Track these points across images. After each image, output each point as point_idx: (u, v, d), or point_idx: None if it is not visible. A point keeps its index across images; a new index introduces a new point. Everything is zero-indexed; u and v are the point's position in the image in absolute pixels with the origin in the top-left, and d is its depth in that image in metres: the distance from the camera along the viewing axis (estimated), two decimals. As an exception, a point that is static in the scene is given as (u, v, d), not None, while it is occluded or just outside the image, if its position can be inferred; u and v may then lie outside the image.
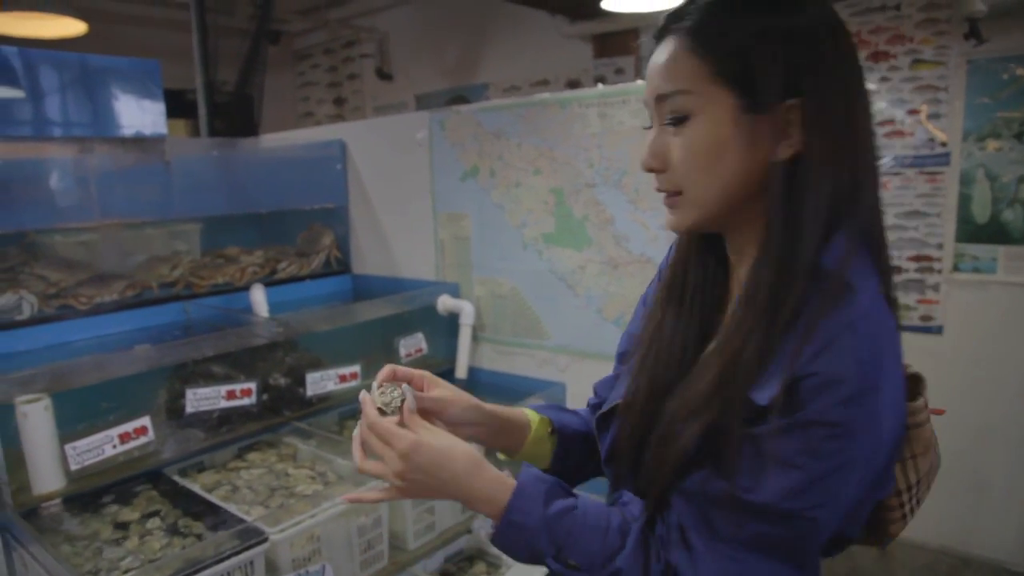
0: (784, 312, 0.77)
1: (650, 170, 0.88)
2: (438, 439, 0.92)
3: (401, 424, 0.93)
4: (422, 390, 1.03)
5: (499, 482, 0.91)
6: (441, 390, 1.04)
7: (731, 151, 0.81)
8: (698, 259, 0.97)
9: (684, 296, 0.96)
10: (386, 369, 1.02)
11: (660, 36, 0.86)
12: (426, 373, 1.05)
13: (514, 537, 0.89)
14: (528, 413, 1.13)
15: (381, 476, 0.93)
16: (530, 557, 0.89)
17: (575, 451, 1.13)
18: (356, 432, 0.96)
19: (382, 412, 0.95)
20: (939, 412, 0.99)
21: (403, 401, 0.95)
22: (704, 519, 0.81)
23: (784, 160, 0.80)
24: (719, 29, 0.80)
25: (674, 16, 0.84)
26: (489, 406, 1.08)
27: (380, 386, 0.99)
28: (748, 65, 0.78)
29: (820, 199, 0.78)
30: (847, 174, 0.80)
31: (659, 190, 0.89)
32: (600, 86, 2.31)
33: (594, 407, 1.16)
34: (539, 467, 1.06)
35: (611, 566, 0.85)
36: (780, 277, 0.79)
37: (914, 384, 0.91)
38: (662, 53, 0.85)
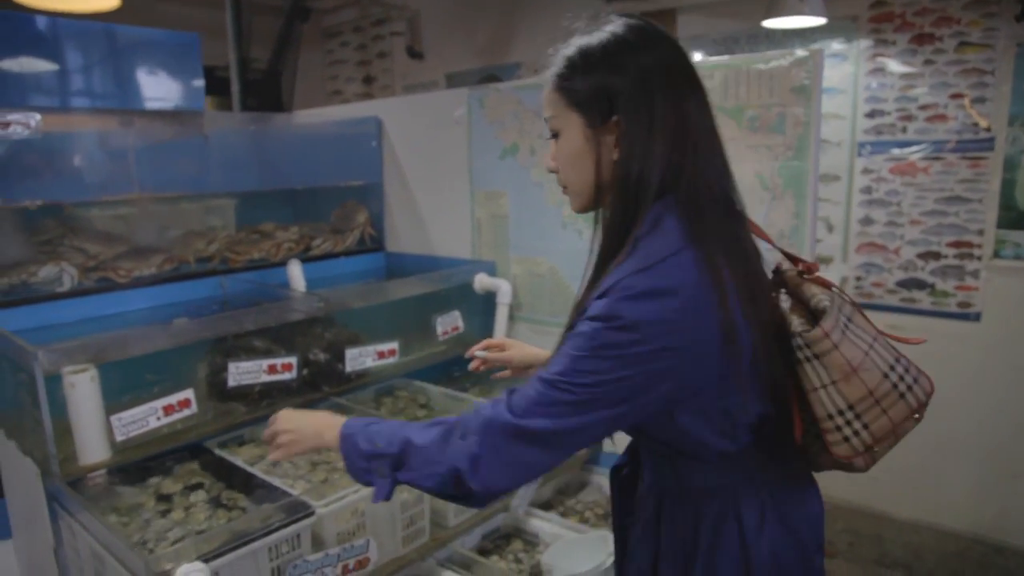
0: (614, 250, 1.09)
1: (550, 171, 1.22)
2: (293, 411, 1.32)
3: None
4: (503, 350, 1.58)
5: (339, 418, 1.25)
6: (510, 350, 1.58)
7: (585, 156, 1.14)
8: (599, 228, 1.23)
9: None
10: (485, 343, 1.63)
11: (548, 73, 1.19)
12: (504, 339, 1.62)
13: (346, 446, 1.19)
14: None
15: (273, 445, 1.30)
16: (358, 459, 1.17)
17: None
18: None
19: None
20: (917, 341, 1.18)
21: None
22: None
23: (617, 159, 1.11)
24: (567, 75, 1.13)
25: (550, 59, 1.18)
26: (539, 353, 1.56)
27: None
28: (585, 98, 1.11)
29: (631, 185, 1.09)
30: (655, 165, 1.08)
31: (559, 184, 1.22)
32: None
33: None
34: None
35: (399, 437, 1.14)
36: (614, 229, 1.11)
37: (815, 316, 1.10)
38: (544, 88, 1.19)
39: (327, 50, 5.95)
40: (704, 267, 1.03)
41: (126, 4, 3.63)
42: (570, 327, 1.11)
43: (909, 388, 1.10)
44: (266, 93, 4.50)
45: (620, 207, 1.10)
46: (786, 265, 1.21)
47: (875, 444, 1.10)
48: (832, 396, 1.07)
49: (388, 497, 1.17)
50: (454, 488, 1.08)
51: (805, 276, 1.16)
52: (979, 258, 3.41)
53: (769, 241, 1.24)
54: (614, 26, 1.12)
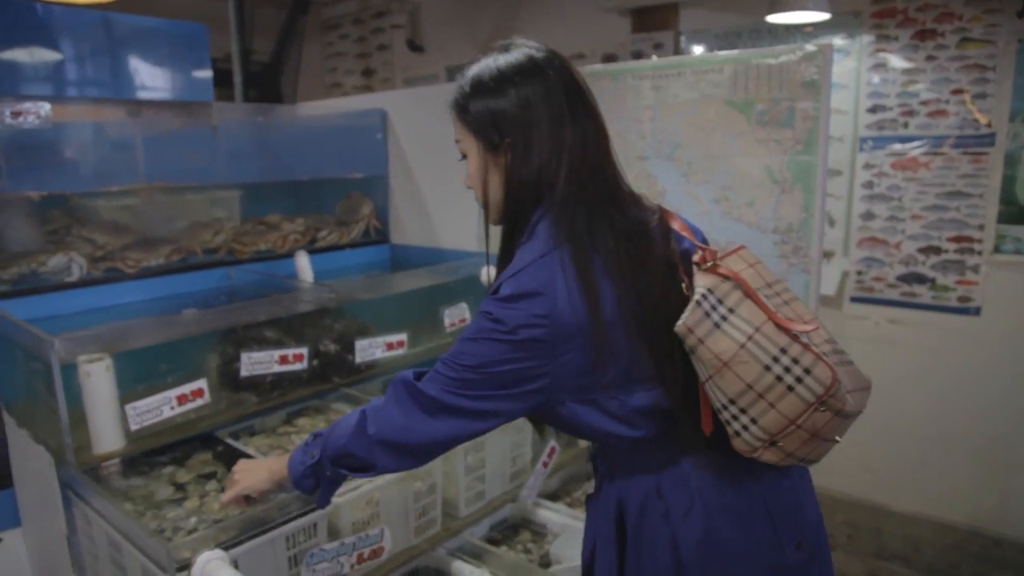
0: (504, 258, 1.28)
1: (467, 187, 1.34)
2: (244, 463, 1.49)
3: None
4: None
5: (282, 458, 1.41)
6: None
7: (487, 174, 1.26)
8: None
9: None
10: None
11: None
12: None
13: (291, 467, 1.35)
14: None
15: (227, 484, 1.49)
16: (298, 477, 1.34)
17: None
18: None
19: None
20: (808, 329, 1.11)
21: None
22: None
23: (507, 177, 1.22)
24: (463, 105, 1.25)
25: (456, 87, 1.28)
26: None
27: None
28: (477, 124, 1.23)
29: (514, 199, 1.22)
30: (533, 181, 1.19)
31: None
32: (655, 58, 2.28)
33: None
34: None
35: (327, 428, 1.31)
36: (504, 237, 1.29)
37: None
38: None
39: (326, 42, 5.94)
40: (569, 266, 1.13)
41: (128, -6, 3.62)
42: None
43: (799, 379, 1.06)
44: (267, 85, 4.50)
45: (508, 218, 1.26)
46: (699, 255, 1.21)
47: (775, 439, 1.09)
48: (714, 390, 1.11)
49: (327, 499, 1.38)
50: (358, 444, 1.24)
51: (701, 266, 1.18)
52: (979, 253, 3.44)
53: (688, 235, 1.29)
54: (505, 55, 1.23)
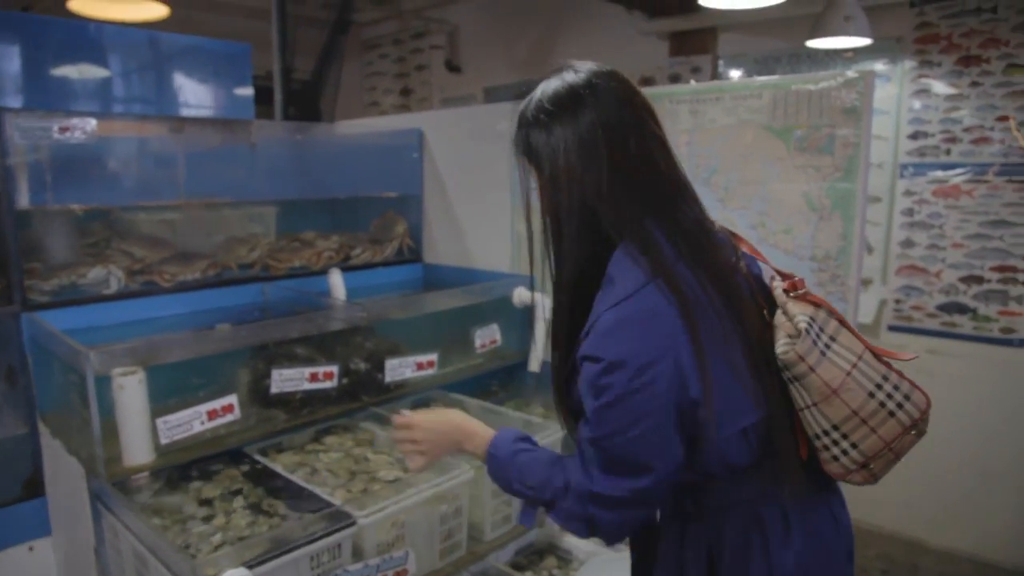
0: (562, 308, 1.23)
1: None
2: (432, 412, 1.47)
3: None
4: None
5: (484, 430, 1.37)
6: None
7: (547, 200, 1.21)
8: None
9: None
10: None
11: None
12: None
13: (493, 468, 1.31)
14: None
15: (412, 452, 1.43)
16: (506, 484, 1.30)
17: None
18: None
19: None
20: (910, 358, 1.17)
21: None
22: (585, 456, 1.15)
23: (551, 205, 1.21)
24: (522, 145, 1.23)
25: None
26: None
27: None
28: (524, 150, 1.23)
29: (557, 226, 1.19)
30: (577, 208, 1.15)
31: None
32: (693, 83, 2.27)
33: None
34: None
35: (549, 489, 1.20)
36: (555, 286, 1.24)
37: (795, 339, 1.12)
38: None
39: (366, 62, 6.02)
40: (659, 299, 1.08)
41: (174, 14, 3.71)
42: (562, 363, 1.25)
43: (899, 405, 1.11)
44: (306, 103, 4.56)
45: (556, 267, 1.22)
46: (777, 282, 1.22)
47: (869, 461, 1.12)
48: (816, 416, 1.11)
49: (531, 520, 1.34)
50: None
51: (790, 294, 1.17)
52: (1024, 283, 3.35)
53: (760, 257, 1.28)
54: (546, 83, 1.21)
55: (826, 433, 1.11)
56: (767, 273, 1.27)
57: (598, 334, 1.09)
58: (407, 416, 1.45)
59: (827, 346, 1.11)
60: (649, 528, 1.34)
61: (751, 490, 1.16)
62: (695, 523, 1.22)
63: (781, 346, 1.11)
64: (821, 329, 1.12)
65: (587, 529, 1.17)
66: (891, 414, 1.10)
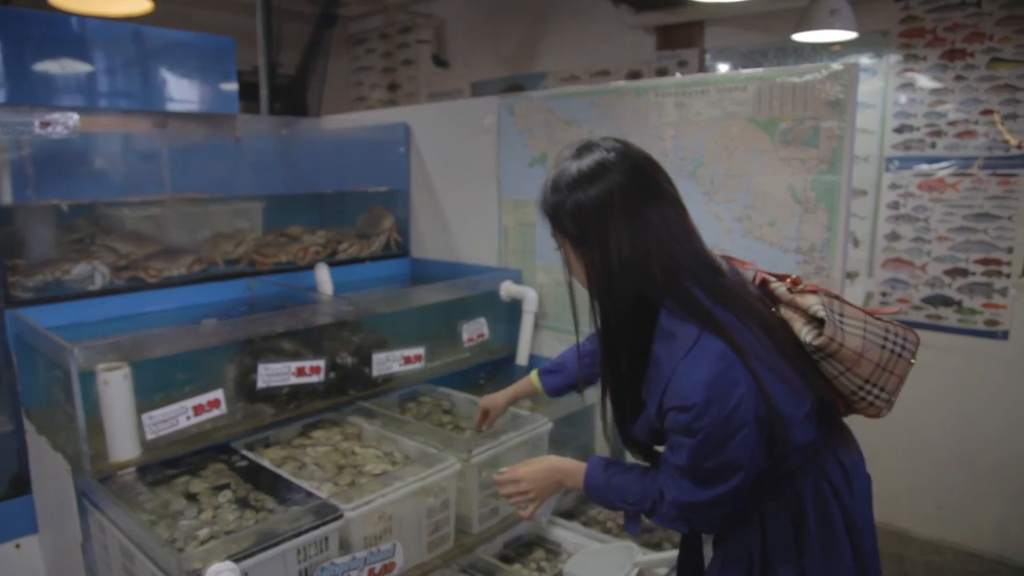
0: (637, 359, 1.34)
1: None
2: (529, 464, 1.61)
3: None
4: (488, 415, 1.96)
5: (577, 465, 1.55)
6: (493, 411, 1.96)
7: (580, 264, 1.35)
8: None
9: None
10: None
11: None
12: (482, 402, 1.98)
13: (594, 494, 1.50)
14: (534, 381, 1.89)
15: (523, 502, 1.60)
16: (608, 504, 1.48)
17: (565, 392, 1.89)
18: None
19: None
20: (893, 311, 1.54)
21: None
22: (676, 474, 1.31)
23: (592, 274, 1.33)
24: (549, 213, 1.36)
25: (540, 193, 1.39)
26: (509, 394, 1.94)
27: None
28: (562, 228, 1.34)
29: (602, 288, 1.32)
30: (629, 281, 1.28)
31: None
32: (678, 75, 2.27)
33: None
34: None
35: (648, 500, 1.39)
36: (604, 350, 1.40)
37: (817, 326, 1.34)
38: None
39: (353, 56, 6.00)
40: (717, 352, 1.23)
41: (158, 8, 3.68)
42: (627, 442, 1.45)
43: (903, 348, 1.37)
44: (292, 98, 4.54)
45: (603, 332, 1.37)
46: (774, 282, 1.45)
47: (892, 396, 1.38)
48: (850, 379, 1.35)
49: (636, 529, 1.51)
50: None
51: (793, 290, 1.41)
52: (1008, 276, 3.38)
53: (747, 265, 1.50)
54: (578, 161, 1.32)
55: (861, 388, 1.35)
56: (748, 275, 1.48)
57: (680, 384, 1.23)
58: (509, 471, 1.61)
59: (841, 322, 1.34)
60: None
61: (812, 453, 1.36)
62: (771, 499, 1.37)
63: (808, 335, 1.34)
64: (831, 310, 1.34)
65: (687, 528, 1.39)
66: (899, 356, 1.36)
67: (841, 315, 1.35)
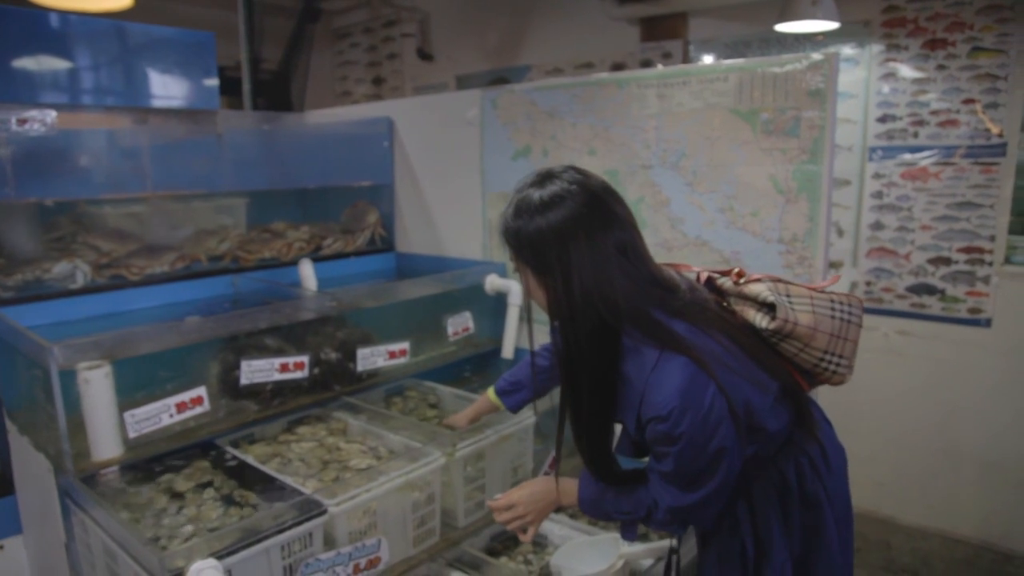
0: (600, 381, 1.35)
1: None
2: (523, 488, 1.65)
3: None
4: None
5: (570, 483, 1.59)
6: (467, 424, 2.01)
7: (540, 291, 1.38)
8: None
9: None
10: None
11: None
12: (448, 424, 2.04)
13: (590, 509, 1.55)
14: (490, 396, 1.96)
15: (520, 528, 1.65)
16: (604, 516, 1.54)
17: (525, 405, 1.96)
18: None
19: None
20: (832, 281, 1.57)
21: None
22: (664, 481, 1.37)
23: (552, 301, 1.35)
24: (506, 241, 1.39)
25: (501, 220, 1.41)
26: (469, 414, 2.02)
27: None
28: (523, 259, 1.37)
29: (566, 317, 1.32)
30: (579, 300, 1.30)
31: None
32: (659, 67, 2.27)
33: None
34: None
35: (643, 508, 1.43)
36: (567, 371, 1.38)
37: (764, 307, 1.42)
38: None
39: (337, 51, 5.97)
40: (678, 364, 1.28)
41: (138, 3, 3.64)
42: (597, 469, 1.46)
43: (851, 314, 1.45)
44: (276, 93, 4.51)
45: (565, 354, 1.36)
46: (720, 278, 1.53)
47: (851, 360, 1.46)
48: (809, 353, 1.42)
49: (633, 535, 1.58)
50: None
51: (739, 283, 1.48)
52: (990, 264, 3.40)
53: (690, 268, 1.57)
54: (539, 190, 1.35)
55: (821, 360, 1.42)
56: (691, 276, 1.55)
57: (654, 396, 1.28)
58: (504, 498, 1.64)
59: (790, 302, 1.41)
60: None
61: (788, 436, 1.44)
62: (759, 482, 1.44)
63: (763, 320, 1.41)
64: (778, 293, 1.41)
65: (684, 528, 1.50)
66: (848, 322, 1.44)
67: (788, 296, 1.42)
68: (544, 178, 1.37)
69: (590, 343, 1.32)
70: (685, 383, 1.26)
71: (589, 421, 1.39)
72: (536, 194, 1.34)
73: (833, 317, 1.43)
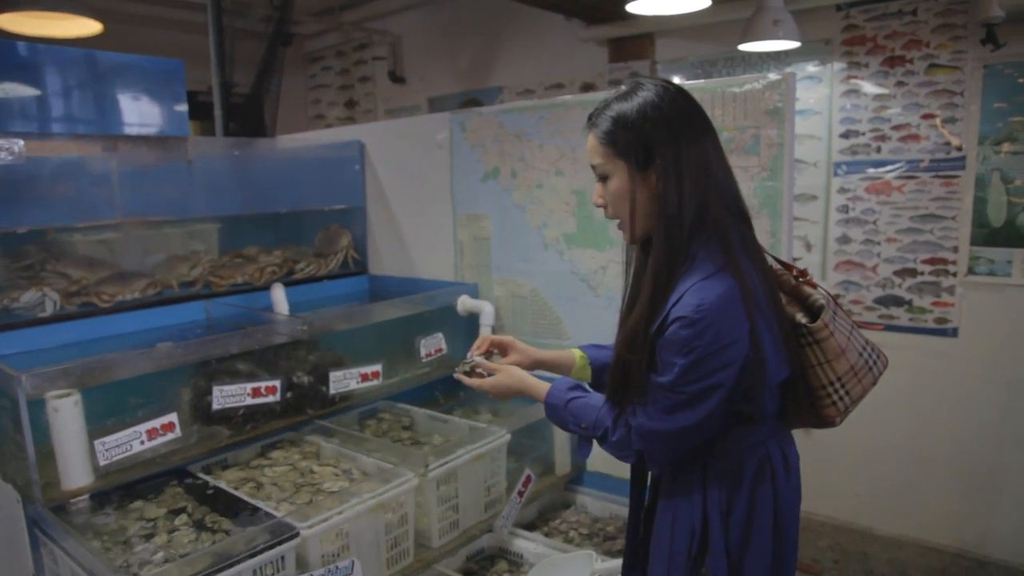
0: (664, 279, 1.35)
1: (597, 207, 1.48)
2: (498, 378, 1.64)
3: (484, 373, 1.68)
4: (507, 352, 1.74)
5: (541, 384, 1.61)
6: (515, 354, 1.73)
7: (631, 194, 1.39)
8: (641, 258, 1.48)
9: (636, 281, 1.49)
10: (482, 338, 1.75)
11: (588, 129, 1.44)
12: (510, 339, 1.75)
13: (551, 414, 1.57)
14: (575, 352, 1.73)
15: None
16: (562, 424, 1.55)
17: (606, 375, 1.64)
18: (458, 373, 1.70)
19: (466, 372, 1.69)
20: (875, 328, 1.64)
21: (472, 364, 1.69)
22: (648, 400, 1.37)
23: (657, 194, 1.36)
24: (612, 131, 1.38)
25: (591, 119, 1.43)
26: (544, 357, 1.74)
27: (470, 356, 1.71)
28: (627, 148, 1.36)
29: (673, 217, 1.33)
30: (689, 203, 1.33)
31: (607, 218, 1.48)
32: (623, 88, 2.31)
33: None
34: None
35: (602, 427, 1.46)
36: (661, 264, 1.35)
37: (816, 312, 1.43)
38: (590, 141, 1.43)
39: (310, 75, 6.00)
40: (730, 287, 1.30)
41: (108, 30, 3.65)
42: (631, 346, 1.39)
43: (875, 363, 1.48)
44: (248, 117, 4.52)
45: (663, 244, 1.35)
46: (780, 269, 1.53)
47: (851, 406, 1.46)
48: (826, 371, 1.42)
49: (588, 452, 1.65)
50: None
51: (799, 280, 1.49)
52: (954, 274, 3.47)
53: (764, 251, 1.52)
54: (642, 91, 1.36)
55: (831, 383, 1.43)
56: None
57: (693, 298, 1.28)
58: (476, 383, 1.65)
59: (835, 317, 1.43)
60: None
61: (764, 432, 1.44)
62: (717, 460, 1.44)
63: (802, 318, 1.42)
64: (828, 305, 1.43)
65: (635, 457, 1.44)
66: (870, 369, 1.47)
67: (835, 313, 1.44)
68: (637, 84, 1.39)
69: (686, 240, 1.34)
70: (725, 304, 1.28)
71: (650, 313, 1.36)
72: (639, 95, 1.36)
73: (860, 355, 1.45)
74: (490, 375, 1.67)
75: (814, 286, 1.48)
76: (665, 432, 1.36)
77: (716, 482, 1.44)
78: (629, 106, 1.36)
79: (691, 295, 1.29)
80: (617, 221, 1.48)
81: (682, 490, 1.48)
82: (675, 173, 1.33)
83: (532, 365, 1.74)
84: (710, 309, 1.27)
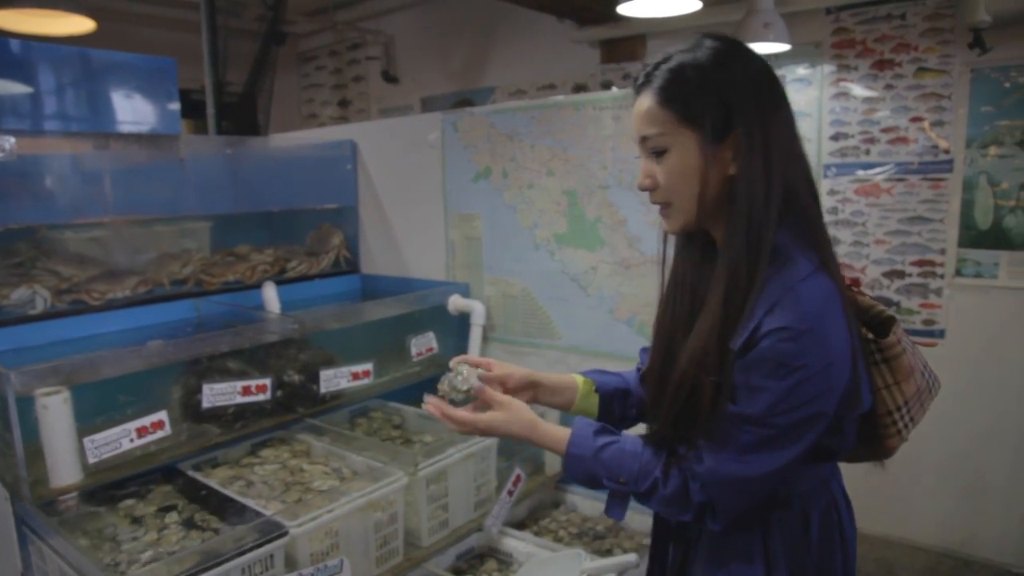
0: (744, 279, 1.09)
1: (644, 189, 1.19)
2: (495, 415, 1.25)
3: (477, 408, 1.29)
4: (490, 370, 1.35)
5: (556, 430, 1.25)
6: (503, 369, 1.37)
7: (699, 171, 1.11)
8: (687, 252, 1.26)
9: (683, 280, 1.26)
10: (461, 357, 1.37)
11: (638, 91, 1.17)
12: (492, 360, 1.38)
13: (574, 466, 1.21)
14: (576, 377, 1.42)
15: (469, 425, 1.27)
16: (590, 481, 1.21)
17: (616, 404, 1.43)
18: (427, 401, 1.30)
19: (452, 400, 1.29)
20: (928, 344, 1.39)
21: (468, 389, 1.29)
22: (715, 435, 1.11)
23: (734, 174, 1.11)
24: (676, 91, 1.10)
25: (646, 76, 1.15)
26: (539, 375, 1.39)
27: (452, 369, 1.32)
28: (699, 113, 1.09)
29: (758, 201, 1.08)
30: (777, 184, 1.09)
31: (654, 203, 1.20)
32: (615, 89, 2.33)
33: (640, 370, 1.46)
34: (590, 418, 1.36)
35: (649, 479, 1.16)
36: (740, 259, 1.09)
37: (887, 325, 1.22)
38: (642, 104, 1.15)
39: (303, 74, 5.99)
40: (832, 290, 1.08)
41: (101, 28, 3.64)
42: (702, 365, 1.12)
43: (933, 383, 1.30)
44: (241, 116, 4.52)
45: (743, 235, 1.09)
46: None
47: (910, 431, 1.27)
48: (893, 394, 1.22)
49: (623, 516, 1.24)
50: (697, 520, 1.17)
51: (854, 290, 1.27)
52: (942, 276, 3.50)
53: None
54: (713, 42, 1.12)
55: (898, 409, 1.22)
56: None
57: (797, 303, 1.04)
58: (468, 422, 1.26)
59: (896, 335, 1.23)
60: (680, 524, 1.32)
61: (828, 469, 1.25)
62: (781, 510, 1.20)
63: (868, 334, 1.22)
64: None
65: (695, 514, 1.15)
66: (930, 390, 1.28)
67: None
68: (703, 38, 1.14)
69: (771, 224, 1.09)
70: (830, 312, 1.05)
71: (724, 323, 1.11)
72: (723, 41, 1.12)
73: (923, 374, 1.26)
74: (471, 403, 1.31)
75: (866, 297, 1.27)
76: (744, 479, 1.09)
77: (781, 538, 1.19)
78: (703, 57, 1.10)
79: (790, 300, 1.04)
80: (658, 207, 1.20)
81: (738, 552, 1.21)
82: (761, 146, 1.08)
83: (523, 385, 1.38)
84: (816, 319, 1.03)
